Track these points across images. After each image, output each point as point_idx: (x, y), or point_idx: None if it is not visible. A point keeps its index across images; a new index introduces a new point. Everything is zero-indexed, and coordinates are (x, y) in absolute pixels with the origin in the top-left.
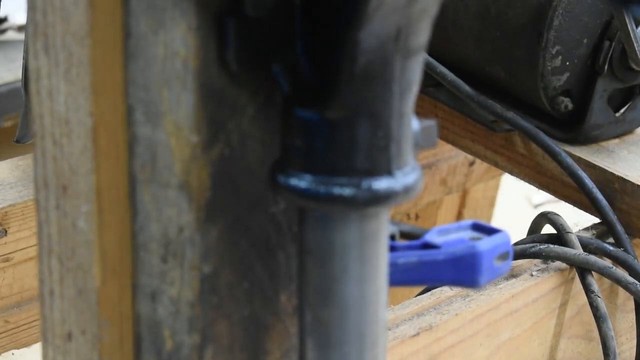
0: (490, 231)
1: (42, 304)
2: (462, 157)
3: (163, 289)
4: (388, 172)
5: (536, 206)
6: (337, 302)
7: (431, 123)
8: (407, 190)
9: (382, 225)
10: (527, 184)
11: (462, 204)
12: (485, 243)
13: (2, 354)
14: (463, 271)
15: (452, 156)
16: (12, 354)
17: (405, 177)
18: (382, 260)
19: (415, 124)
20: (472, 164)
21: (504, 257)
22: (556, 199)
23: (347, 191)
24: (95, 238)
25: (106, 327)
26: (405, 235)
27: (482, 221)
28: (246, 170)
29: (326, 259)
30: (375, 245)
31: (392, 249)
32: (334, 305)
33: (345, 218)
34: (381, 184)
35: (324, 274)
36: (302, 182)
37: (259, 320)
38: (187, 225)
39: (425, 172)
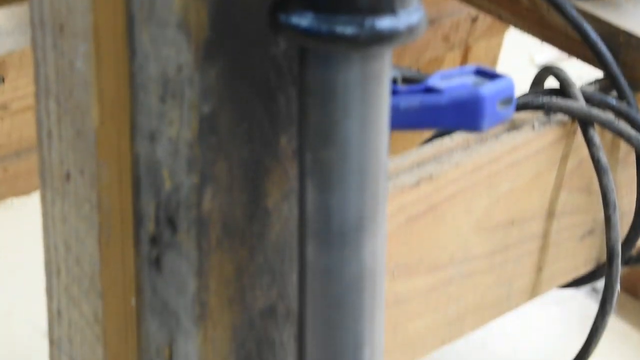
0: (493, 76)
1: (40, 145)
2: (465, 12)
3: (162, 129)
4: (391, 10)
5: (539, 66)
6: (338, 143)
7: None
8: (410, 29)
9: (385, 67)
10: (530, 44)
11: (464, 61)
12: (488, 88)
13: (1, 203)
14: (466, 115)
15: (454, 12)
16: (12, 202)
17: (408, 16)
18: (383, 102)
19: None
20: (474, 20)
21: (507, 102)
22: (560, 59)
23: (349, 30)
24: (93, 78)
25: (104, 168)
26: (407, 80)
27: (485, 66)
28: (246, 10)
29: (327, 100)
30: (377, 86)
31: (394, 93)
32: (335, 146)
33: (347, 58)
34: (384, 23)
35: (324, 115)
36: (303, 20)
37: (258, 163)
38: (186, 64)
39: (427, 28)
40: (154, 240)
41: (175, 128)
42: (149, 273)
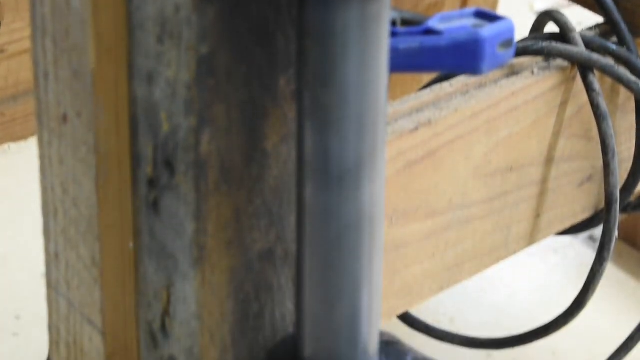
0: (494, 18)
1: (37, 86)
2: None
3: (159, 70)
4: None
5: (538, 13)
6: (337, 84)
7: None
8: None
9: (384, 8)
10: None
11: (463, 7)
12: (488, 30)
13: None
14: (465, 57)
15: None
16: (9, 147)
17: None
18: (383, 43)
19: None
20: None
21: (507, 44)
22: (559, 6)
23: None
24: (90, 18)
25: (102, 109)
26: (407, 22)
27: (486, 8)
28: None
29: (327, 41)
30: (376, 27)
31: (394, 34)
32: (334, 88)
33: None
34: None
35: (324, 56)
36: None
37: (257, 105)
38: (184, 4)
39: None
40: (152, 183)
41: (173, 69)
42: (146, 216)
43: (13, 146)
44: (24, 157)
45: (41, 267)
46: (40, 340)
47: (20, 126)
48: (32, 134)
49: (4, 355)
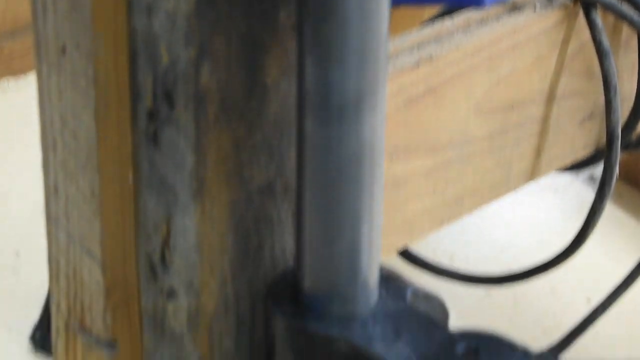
0: None
1: (35, 19)
2: None
3: (159, 2)
4: None
5: None
6: (338, 17)
7: None
8: None
9: None
10: None
11: None
12: None
13: None
14: None
15: None
16: (7, 83)
17: None
18: None
19: None
20: None
21: None
22: None
23: None
24: None
25: (101, 41)
26: None
27: None
28: None
29: None
30: None
31: None
32: (335, 20)
33: None
34: None
35: None
36: None
37: (257, 38)
38: None
39: None
40: (152, 116)
41: (173, 1)
42: (146, 148)
43: (12, 82)
44: (23, 92)
45: (40, 204)
46: (39, 277)
47: (18, 61)
48: (30, 69)
49: (4, 292)
